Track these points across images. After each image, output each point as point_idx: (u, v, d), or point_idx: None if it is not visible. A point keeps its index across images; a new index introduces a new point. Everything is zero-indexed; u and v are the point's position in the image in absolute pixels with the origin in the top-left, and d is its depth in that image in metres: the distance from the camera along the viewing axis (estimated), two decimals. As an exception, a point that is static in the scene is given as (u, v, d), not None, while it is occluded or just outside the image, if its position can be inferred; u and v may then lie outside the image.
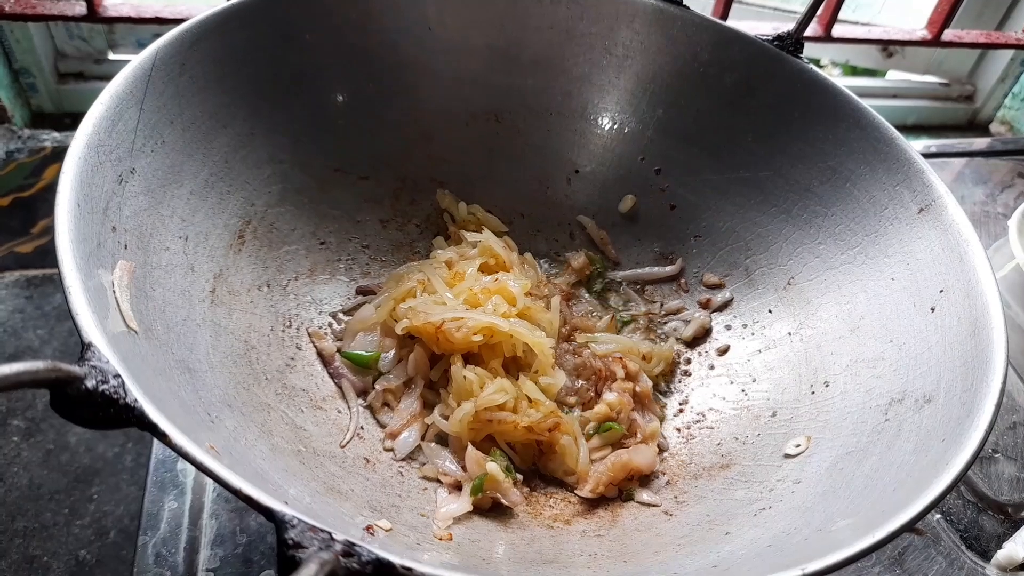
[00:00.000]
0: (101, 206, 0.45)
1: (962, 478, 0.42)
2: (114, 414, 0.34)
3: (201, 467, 0.34)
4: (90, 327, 0.37)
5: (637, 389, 0.64)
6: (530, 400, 0.59)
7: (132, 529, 0.75)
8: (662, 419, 0.65)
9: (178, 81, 0.55)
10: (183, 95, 0.56)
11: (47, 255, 0.97)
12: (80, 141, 0.45)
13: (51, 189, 1.01)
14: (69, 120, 1.15)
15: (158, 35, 1.15)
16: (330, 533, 0.32)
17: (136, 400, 0.34)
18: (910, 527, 0.40)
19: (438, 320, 0.59)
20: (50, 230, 0.99)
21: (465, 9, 0.70)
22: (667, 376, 0.69)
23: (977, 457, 0.43)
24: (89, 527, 0.78)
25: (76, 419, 0.33)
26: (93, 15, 0.97)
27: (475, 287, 0.62)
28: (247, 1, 0.60)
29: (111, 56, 1.17)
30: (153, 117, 0.52)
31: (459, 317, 0.59)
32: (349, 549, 0.31)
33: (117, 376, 0.34)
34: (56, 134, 1.10)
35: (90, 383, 0.33)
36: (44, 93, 1.14)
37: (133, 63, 0.52)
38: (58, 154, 1.05)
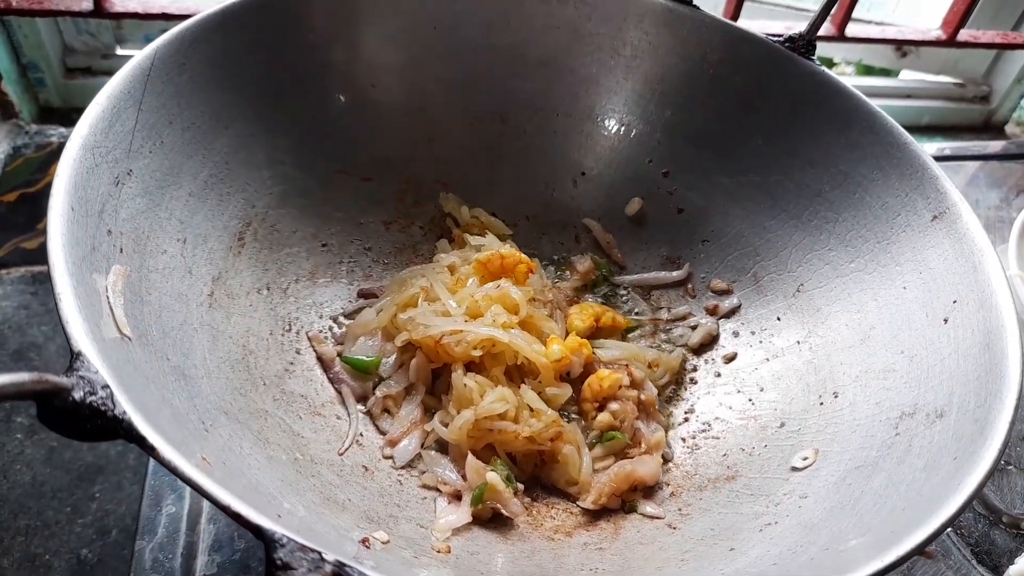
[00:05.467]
0: (96, 209, 0.45)
1: (975, 498, 0.41)
2: (102, 426, 0.33)
3: (190, 482, 0.33)
4: (80, 335, 0.36)
5: (642, 397, 0.63)
6: (532, 409, 0.58)
7: (134, 529, 0.75)
8: (667, 428, 0.64)
9: (178, 81, 0.54)
10: (183, 95, 0.55)
11: (52, 251, 0.97)
12: (75, 143, 0.45)
13: (57, 185, 1.00)
14: (76, 115, 1.14)
15: (165, 31, 1.14)
16: (320, 553, 0.31)
17: (125, 412, 0.33)
18: (920, 550, 0.39)
19: (437, 334, 0.58)
20: (55, 226, 0.99)
21: (470, 8, 0.69)
22: (673, 384, 0.67)
23: (990, 477, 0.42)
24: (91, 526, 0.78)
25: (63, 431, 0.33)
26: (100, 11, 0.96)
27: (477, 294, 0.61)
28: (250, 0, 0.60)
29: (119, 51, 1.16)
30: (152, 117, 0.52)
31: (458, 331, 0.58)
32: (339, 570, 0.31)
33: (106, 387, 0.34)
34: (63, 129, 1.10)
35: (77, 394, 0.33)
36: (52, 88, 1.13)
37: (131, 62, 0.51)
38: (64, 150, 1.05)
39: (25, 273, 0.95)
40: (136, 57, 0.51)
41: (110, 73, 1.17)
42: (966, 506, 0.40)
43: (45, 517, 0.78)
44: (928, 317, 0.55)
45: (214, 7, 0.57)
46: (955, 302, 0.54)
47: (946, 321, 0.53)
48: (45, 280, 0.95)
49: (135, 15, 0.99)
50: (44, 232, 0.99)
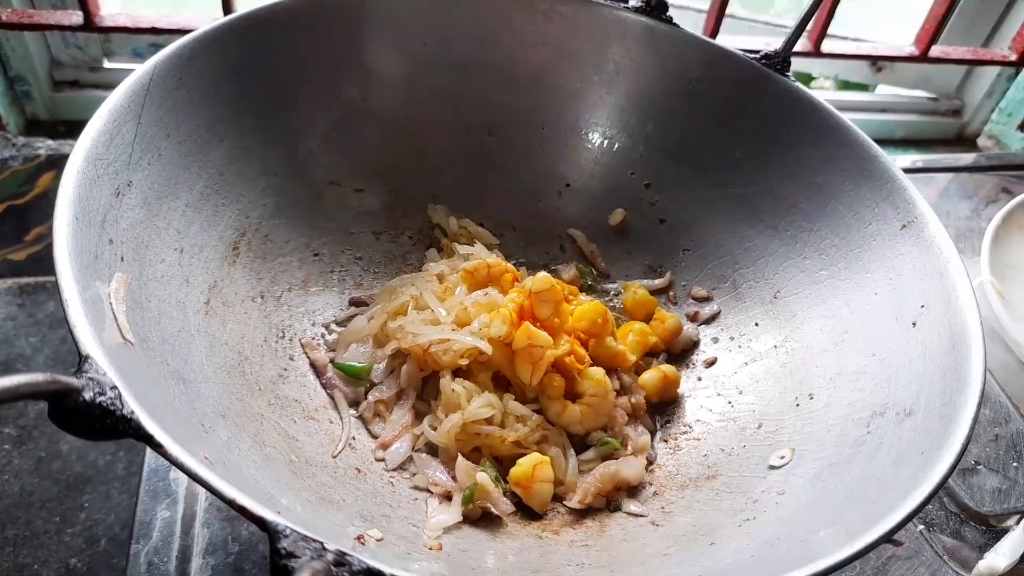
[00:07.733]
0: (99, 219, 0.46)
1: (939, 490, 0.43)
2: (111, 425, 0.34)
3: (196, 478, 0.34)
4: (88, 339, 0.37)
5: (632, 401, 0.65)
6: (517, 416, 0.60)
7: (123, 538, 0.75)
8: (653, 432, 0.66)
9: (175, 95, 0.56)
10: (180, 109, 0.56)
11: (40, 263, 0.97)
12: (79, 155, 0.46)
13: (45, 197, 1.01)
14: (64, 128, 1.15)
15: (154, 44, 1.15)
16: (322, 543, 0.32)
17: (133, 412, 0.35)
18: (889, 537, 0.41)
19: (425, 343, 0.60)
20: (43, 238, 0.99)
21: (460, 25, 0.71)
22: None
23: (954, 470, 0.44)
24: (80, 535, 0.78)
25: (74, 430, 0.34)
26: (90, 25, 0.97)
27: (466, 301, 0.63)
28: (244, 17, 0.62)
29: (106, 64, 1.17)
30: (150, 131, 0.53)
31: (445, 340, 0.60)
32: (341, 558, 0.32)
33: (114, 388, 0.35)
34: (51, 142, 1.10)
35: (88, 395, 0.34)
36: (39, 101, 1.14)
37: (131, 78, 0.52)
38: (52, 162, 1.05)
39: (12, 285, 0.96)
40: (135, 72, 0.53)
41: (98, 86, 1.18)
42: (931, 496, 0.42)
43: (34, 527, 0.78)
44: (898, 321, 0.57)
45: (210, 24, 0.59)
46: (923, 307, 0.56)
47: (915, 325, 0.56)
48: (32, 292, 0.95)
49: (125, 29, 1.00)
50: (32, 244, 0.99)
